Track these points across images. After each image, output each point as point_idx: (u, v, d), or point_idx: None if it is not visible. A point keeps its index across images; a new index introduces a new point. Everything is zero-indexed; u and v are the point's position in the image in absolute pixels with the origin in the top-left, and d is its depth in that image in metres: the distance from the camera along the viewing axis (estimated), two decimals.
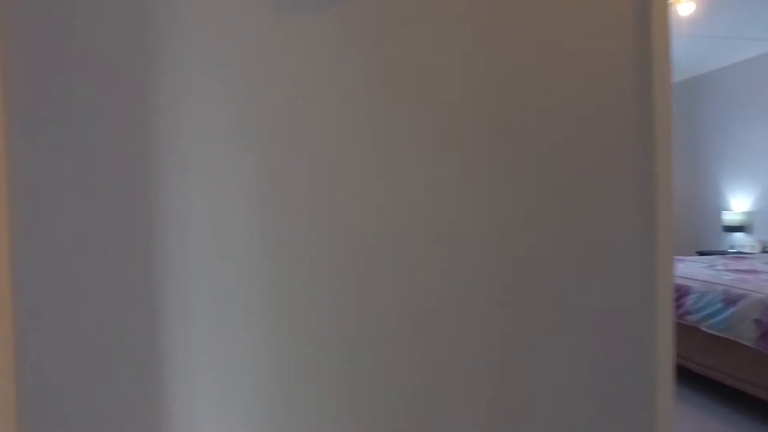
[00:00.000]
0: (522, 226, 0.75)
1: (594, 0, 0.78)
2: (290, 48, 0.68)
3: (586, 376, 0.78)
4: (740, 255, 4.21)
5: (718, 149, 5.01)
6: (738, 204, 4.86)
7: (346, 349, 0.70)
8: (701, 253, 4.76)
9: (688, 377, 2.97)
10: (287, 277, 0.69)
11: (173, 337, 0.68)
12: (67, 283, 0.67)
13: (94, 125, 0.67)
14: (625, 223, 0.81)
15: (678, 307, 2.81)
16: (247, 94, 0.68)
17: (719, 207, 5.03)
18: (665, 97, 0.83)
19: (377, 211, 0.69)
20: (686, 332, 2.80)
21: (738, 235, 4.79)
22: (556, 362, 0.77)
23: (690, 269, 3.21)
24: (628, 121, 0.81)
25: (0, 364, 0.63)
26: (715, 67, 4.98)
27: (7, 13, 0.64)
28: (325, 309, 0.70)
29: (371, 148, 0.69)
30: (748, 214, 4.72)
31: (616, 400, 0.79)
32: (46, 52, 0.66)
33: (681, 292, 2.88)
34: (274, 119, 0.69)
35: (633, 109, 0.80)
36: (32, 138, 0.66)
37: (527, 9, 0.75)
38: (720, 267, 3.32)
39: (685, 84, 5.29)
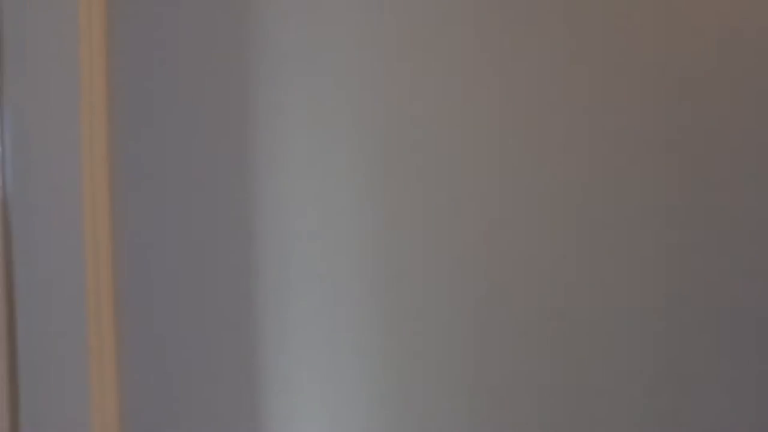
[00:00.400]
0: (710, 236, 0.60)
1: None
2: (407, 30, 0.60)
3: None
4: None
5: None
6: None
7: (467, 352, 0.62)
8: None
9: None
10: (400, 274, 0.62)
11: (272, 334, 0.64)
12: (166, 281, 0.66)
13: (194, 117, 0.65)
14: None
15: None
16: (358, 80, 0.62)
17: None
18: None
19: (506, 209, 0.62)
20: None
21: None
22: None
23: None
24: None
25: (104, 363, 0.64)
26: None
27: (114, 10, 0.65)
28: (441, 308, 0.62)
29: (498, 141, 0.62)
30: None
31: None
32: (148, 44, 0.65)
33: None
34: (389, 107, 0.62)
35: None
36: (134, 134, 0.66)
37: None
38: None
39: None
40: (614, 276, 0.62)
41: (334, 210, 0.64)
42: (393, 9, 0.63)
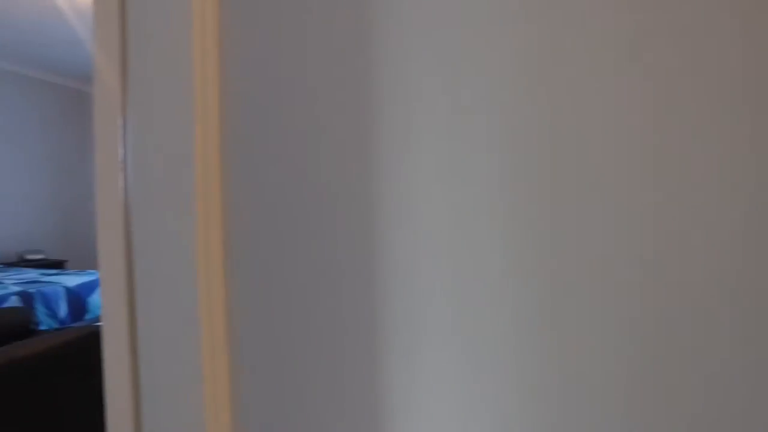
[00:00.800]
0: None
1: None
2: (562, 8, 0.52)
3: None
4: None
5: None
6: None
7: (635, 377, 0.53)
8: None
9: None
10: (554, 283, 0.54)
11: (396, 344, 0.60)
12: (279, 284, 0.65)
13: (311, 118, 0.63)
14: None
15: None
16: (503, 68, 0.55)
17: None
18: None
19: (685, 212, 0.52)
20: None
21: None
22: None
23: None
24: None
25: (217, 368, 0.67)
26: None
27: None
28: (611, 320, 0.54)
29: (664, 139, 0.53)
30: None
31: None
32: (261, 50, 0.64)
33: None
34: (541, 94, 0.55)
35: None
36: (248, 140, 0.66)
37: None
38: None
39: None
40: None
41: (471, 211, 0.56)
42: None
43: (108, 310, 0.69)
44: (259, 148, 0.67)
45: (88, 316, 3.46)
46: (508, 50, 0.57)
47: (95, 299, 3.50)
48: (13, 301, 3.09)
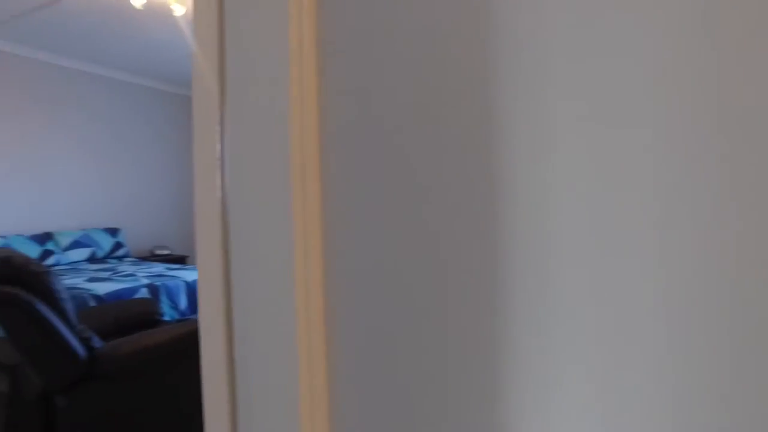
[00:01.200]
0: None
1: None
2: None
3: None
4: None
5: None
6: None
7: None
8: None
9: None
10: (721, 288, 0.43)
11: (526, 358, 0.52)
12: (383, 288, 0.60)
13: (420, 109, 0.57)
14: None
15: None
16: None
17: None
18: None
19: None
20: None
21: None
22: None
23: None
24: None
25: (313, 367, 0.65)
26: None
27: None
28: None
29: None
30: None
31: None
32: (360, 62, 0.60)
33: None
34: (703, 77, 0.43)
35: None
36: (349, 139, 0.63)
37: None
38: None
39: None
40: None
41: (614, 207, 0.46)
42: None
43: (205, 306, 0.68)
44: (363, 140, 0.61)
45: None
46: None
47: None
48: (143, 293, 3.44)
